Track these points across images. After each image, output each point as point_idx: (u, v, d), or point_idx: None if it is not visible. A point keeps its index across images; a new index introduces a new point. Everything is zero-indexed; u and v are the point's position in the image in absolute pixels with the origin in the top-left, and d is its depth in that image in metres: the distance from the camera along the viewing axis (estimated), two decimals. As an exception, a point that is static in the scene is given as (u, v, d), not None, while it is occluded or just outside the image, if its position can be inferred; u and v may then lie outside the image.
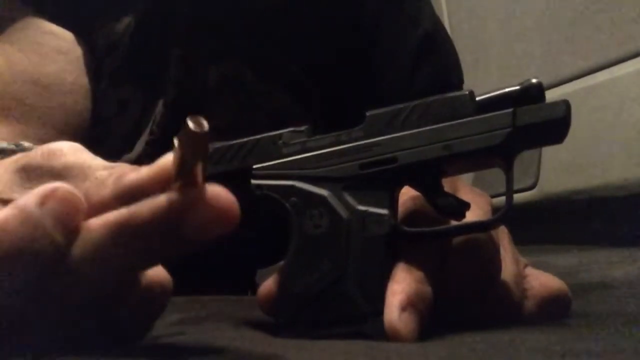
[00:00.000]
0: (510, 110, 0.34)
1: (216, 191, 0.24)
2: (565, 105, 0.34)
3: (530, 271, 0.39)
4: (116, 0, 0.60)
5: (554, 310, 0.38)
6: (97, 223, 0.25)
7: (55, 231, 0.24)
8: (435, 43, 0.65)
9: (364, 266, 0.33)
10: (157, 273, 0.28)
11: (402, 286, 0.32)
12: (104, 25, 0.59)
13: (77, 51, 0.59)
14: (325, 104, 0.63)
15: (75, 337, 0.26)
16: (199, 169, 0.24)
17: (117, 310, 0.27)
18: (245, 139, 0.38)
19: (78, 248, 0.24)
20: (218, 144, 0.39)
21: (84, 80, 0.59)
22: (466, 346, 0.30)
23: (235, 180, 0.38)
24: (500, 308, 0.36)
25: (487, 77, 1.43)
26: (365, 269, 0.33)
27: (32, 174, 0.28)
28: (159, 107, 0.59)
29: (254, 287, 0.67)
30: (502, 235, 0.38)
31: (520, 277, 0.37)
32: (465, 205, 0.35)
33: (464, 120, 0.34)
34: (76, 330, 0.26)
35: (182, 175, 0.24)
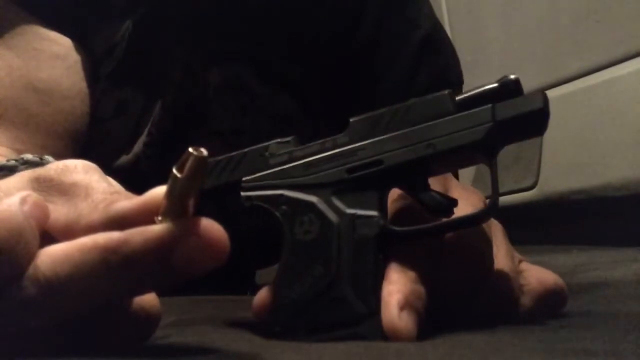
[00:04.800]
0: (489, 106, 0.34)
1: (207, 223, 0.24)
2: (542, 97, 0.34)
3: (526, 267, 0.39)
4: (115, 6, 0.60)
5: (551, 306, 0.38)
6: (87, 243, 0.24)
7: (30, 230, 0.25)
8: (435, 44, 0.66)
9: (356, 268, 0.33)
10: (147, 300, 0.28)
11: (397, 287, 0.32)
12: (102, 31, 0.59)
13: (74, 56, 0.59)
14: (326, 107, 0.63)
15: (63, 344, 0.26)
16: (193, 200, 0.24)
17: (103, 331, 0.27)
18: (232, 154, 0.39)
19: (65, 265, 0.24)
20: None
21: (82, 85, 0.59)
22: (465, 346, 0.30)
23: (225, 194, 0.38)
24: (496, 304, 0.36)
25: (487, 77, 1.43)
26: (358, 271, 0.33)
27: (43, 185, 0.28)
28: (157, 108, 0.59)
29: (253, 287, 0.67)
30: (496, 231, 0.38)
31: (515, 272, 0.37)
32: (453, 202, 0.35)
33: (446, 119, 0.35)
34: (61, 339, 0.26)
35: (176, 206, 0.24)
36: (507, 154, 1.37)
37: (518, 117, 0.34)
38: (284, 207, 0.36)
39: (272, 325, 0.34)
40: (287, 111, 0.62)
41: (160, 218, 0.24)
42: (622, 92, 1.13)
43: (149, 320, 0.28)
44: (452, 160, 0.36)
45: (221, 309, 0.46)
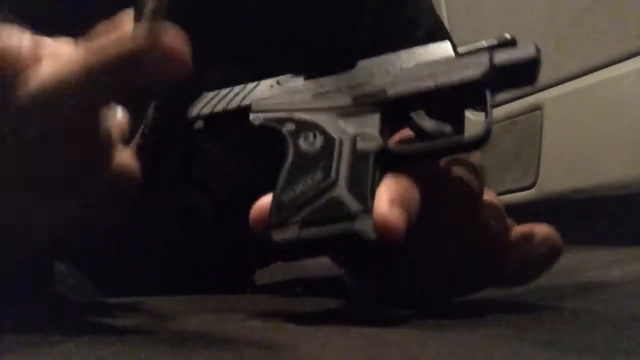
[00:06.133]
0: (486, 50, 0.37)
1: (172, 31, 0.28)
2: (534, 46, 0.37)
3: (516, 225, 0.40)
4: (104, 7, 0.60)
5: (544, 251, 0.38)
6: (70, 53, 0.29)
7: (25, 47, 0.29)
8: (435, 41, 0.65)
9: (354, 175, 0.35)
10: (126, 160, 0.32)
11: (389, 187, 0.34)
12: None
13: None
14: None
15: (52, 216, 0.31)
16: (160, 16, 0.27)
17: (86, 185, 0.31)
18: (244, 84, 0.42)
19: (53, 77, 0.28)
20: (218, 90, 0.43)
21: None
22: (468, 338, 0.30)
23: (234, 117, 0.41)
24: (485, 242, 0.37)
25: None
26: (356, 177, 0.35)
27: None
28: (151, 109, 0.59)
29: (252, 286, 0.67)
30: (488, 191, 0.39)
31: (502, 212, 0.39)
32: (449, 129, 0.37)
33: (447, 59, 0.38)
34: (51, 201, 0.30)
35: (145, 21, 0.27)
36: (506, 153, 1.37)
37: (512, 61, 0.37)
38: (289, 125, 0.38)
39: (269, 220, 0.35)
40: None
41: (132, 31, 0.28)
42: (621, 91, 1.13)
43: (128, 176, 0.32)
44: (451, 96, 0.37)
45: (222, 306, 0.46)
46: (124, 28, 0.28)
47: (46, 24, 0.58)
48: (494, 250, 0.37)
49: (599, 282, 0.60)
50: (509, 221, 0.39)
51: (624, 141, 1.11)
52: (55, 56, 0.30)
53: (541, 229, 0.39)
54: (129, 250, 0.59)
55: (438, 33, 0.66)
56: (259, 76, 0.60)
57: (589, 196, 1.16)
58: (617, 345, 0.29)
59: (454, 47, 0.39)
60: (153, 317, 0.38)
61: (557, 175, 1.25)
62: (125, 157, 0.32)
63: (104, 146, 0.31)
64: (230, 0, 0.60)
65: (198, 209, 0.58)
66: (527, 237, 0.38)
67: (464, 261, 0.37)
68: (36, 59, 0.30)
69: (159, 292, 0.48)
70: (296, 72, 0.62)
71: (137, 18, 0.28)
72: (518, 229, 0.39)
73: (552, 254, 0.39)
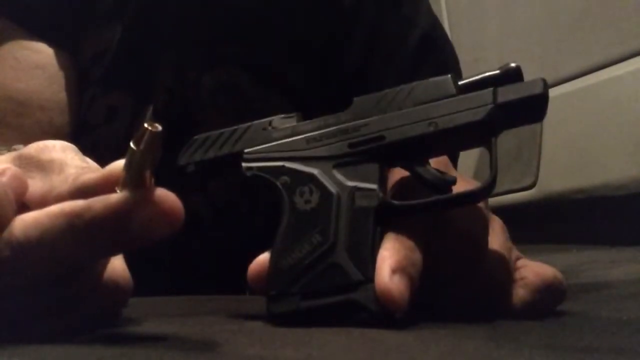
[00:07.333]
0: (491, 88, 0.35)
1: (163, 193, 0.26)
2: (542, 82, 0.35)
3: (525, 262, 0.39)
4: (100, 9, 0.59)
5: (549, 299, 0.38)
6: (55, 210, 0.27)
7: (6, 197, 0.27)
8: (434, 42, 0.65)
9: (354, 237, 0.34)
10: (117, 272, 0.31)
11: (391, 252, 0.33)
12: (90, 35, 0.59)
13: (55, 66, 0.59)
14: (324, 110, 0.63)
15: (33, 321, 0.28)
16: (149, 172, 0.26)
17: (76, 299, 0.29)
18: (235, 127, 0.40)
19: (35, 229, 0.26)
20: (209, 133, 0.40)
21: (61, 96, 0.59)
22: (468, 341, 0.30)
23: (225, 165, 0.39)
24: (489, 290, 0.36)
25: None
26: (355, 240, 0.34)
27: (23, 162, 0.31)
28: (148, 114, 0.58)
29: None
30: (494, 223, 0.39)
31: (509, 263, 0.37)
32: (452, 179, 0.36)
33: (448, 99, 0.36)
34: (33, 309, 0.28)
35: (133, 176, 0.26)
36: (506, 153, 1.37)
37: (518, 100, 0.35)
38: (284, 177, 0.36)
39: (266, 290, 0.34)
40: (282, 113, 0.62)
41: (119, 188, 0.26)
42: (621, 91, 1.13)
43: (118, 289, 0.31)
44: (453, 139, 0.36)
45: (222, 306, 0.46)
46: (112, 181, 0.27)
47: (46, 28, 0.58)
48: (498, 296, 0.37)
49: (598, 282, 0.60)
50: (514, 255, 0.39)
51: (624, 141, 1.11)
52: (43, 199, 0.29)
53: (546, 277, 0.38)
54: (128, 252, 0.59)
55: (435, 33, 0.66)
56: (256, 79, 0.61)
57: (589, 196, 1.16)
58: (617, 345, 0.29)
59: (455, 82, 0.36)
60: (153, 318, 0.38)
61: (557, 175, 1.25)
62: (116, 265, 0.31)
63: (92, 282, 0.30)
64: (228, 2, 0.60)
65: (198, 211, 0.58)
66: (536, 293, 0.37)
67: (467, 306, 0.36)
68: (20, 196, 0.29)
69: (158, 294, 0.48)
70: (295, 77, 0.62)
71: (127, 170, 0.26)
72: (526, 281, 0.37)
73: (558, 298, 0.38)
